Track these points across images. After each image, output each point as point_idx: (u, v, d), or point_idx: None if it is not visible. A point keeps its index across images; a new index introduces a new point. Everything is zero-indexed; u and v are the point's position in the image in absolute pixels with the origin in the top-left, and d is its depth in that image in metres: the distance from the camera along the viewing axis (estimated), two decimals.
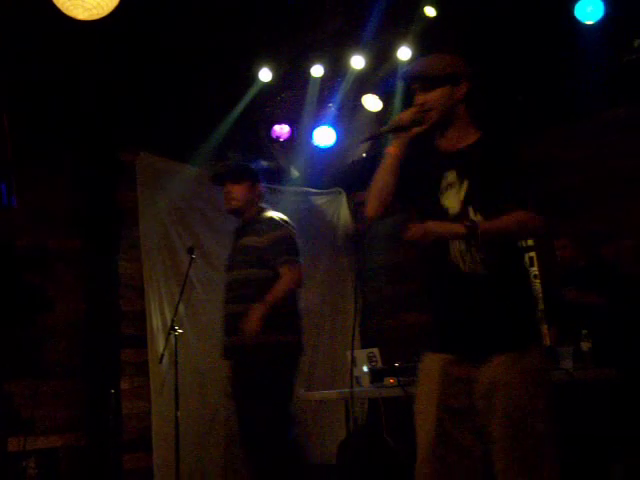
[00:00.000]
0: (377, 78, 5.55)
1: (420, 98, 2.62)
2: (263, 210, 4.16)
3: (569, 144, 5.61)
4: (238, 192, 4.08)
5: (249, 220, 4.10)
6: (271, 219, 4.05)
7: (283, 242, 3.99)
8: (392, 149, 2.66)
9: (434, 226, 2.45)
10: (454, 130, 2.63)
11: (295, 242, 4.06)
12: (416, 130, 2.62)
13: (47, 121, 4.91)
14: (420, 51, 5.09)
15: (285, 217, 4.17)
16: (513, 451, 2.36)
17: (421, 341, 2.63)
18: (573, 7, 4.57)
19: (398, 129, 2.64)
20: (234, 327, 3.88)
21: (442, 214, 2.54)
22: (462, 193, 2.53)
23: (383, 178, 2.65)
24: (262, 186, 4.30)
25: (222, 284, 4.19)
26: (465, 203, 2.51)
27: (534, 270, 5.23)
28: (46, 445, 4.84)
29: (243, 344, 3.87)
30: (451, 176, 2.57)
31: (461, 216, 2.50)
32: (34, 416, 4.77)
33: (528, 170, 2.58)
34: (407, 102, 5.40)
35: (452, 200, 2.54)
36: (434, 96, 2.59)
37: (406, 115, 2.63)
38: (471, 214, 2.49)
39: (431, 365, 2.58)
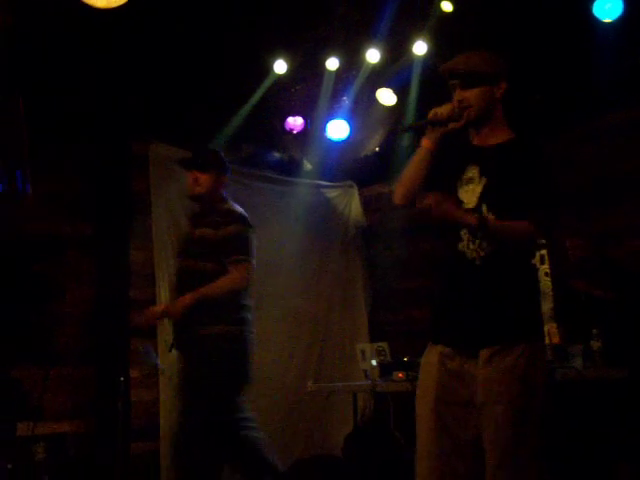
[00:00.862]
0: (392, 72, 5.54)
1: (459, 94, 2.63)
2: (224, 201, 4.18)
3: (585, 143, 5.58)
4: (204, 180, 4.11)
5: (208, 209, 4.12)
6: (229, 212, 4.07)
7: (236, 239, 3.99)
8: (426, 142, 2.69)
9: (449, 205, 2.48)
10: (488, 128, 2.66)
11: (248, 240, 4.08)
12: (452, 126, 2.64)
13: (62, 108, 4.91)
14: (436, 46, 5.08)
15: (243, 212, 4.16)
16: (495, 454, 2.39)
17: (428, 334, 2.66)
18: (591, 5, 4.54)
19: (435, 123, 2.65)
20: (182, 317, 3.93)
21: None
22: (479, 189, 2.54)
23: (415, 169, 2.69)
24: (227, 177, 4.32)
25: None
26: (480, 200, 2.52)
27: (545, 268, 5.21)
28: (54, 431, 4.87)
29: (189, 336, 3.95)
30: (472, 171, 2.59)
31: (475, 211, 2.52)
32: (43, 402, 4.79)
33: (552, 180, 2.60)
34: (422, 97, 5.42)
35: (469, 194, 2.57)
36: (474, 94, 2.61)
37: (444, 110, 2.65)
38: (484, 211, 2.51)
39: (430, 357, 2.61)
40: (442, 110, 2.66)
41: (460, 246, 2.55)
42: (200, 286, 3.88)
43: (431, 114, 2.68)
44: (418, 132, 2.79)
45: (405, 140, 5.52)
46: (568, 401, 3.79)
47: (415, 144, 2.78)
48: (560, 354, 4.06)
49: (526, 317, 2.53)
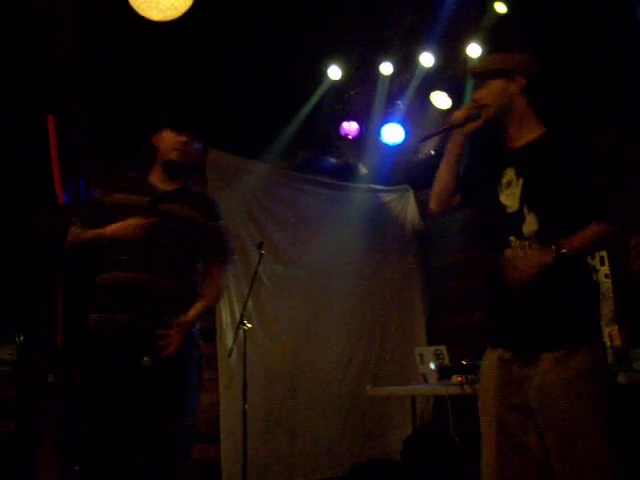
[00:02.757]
0: (446, 75, 5.53)
1: (475, 93, 2.66)
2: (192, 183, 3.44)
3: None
4: (195, 148, 3.29)
5: (184, 187, 3.26)
6: (214, 202, 3.35)
7: (230, 237, 3.40)
8: (450, 146, 2.71)
9: (522, 268, 2.41)
10: (516, 125, 2.64)
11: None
12: (471, 126, 2.65)
13: (123, 116, 5.02)
14: (489, 48, 5.06)
15: None
16: (565, 462, 2.34)
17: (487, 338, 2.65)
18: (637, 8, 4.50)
19: (454, 126, 2.67)
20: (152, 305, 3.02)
21: (501, 211, 2.57)
22: (518, 191, 2.53)
23: (443, 175, 2.71)
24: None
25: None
26: (522, 201, 2.52)
27: (605, 269, 5.15)
28: None
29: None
30: (510, 173, 2.58)
31: (519, 214, 2.50)
32: None
33: (600, 170, 2.55)
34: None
35: (511, 198, 2.56)
36: (487, 91, 2.62)
37: (461, 112, 2.68)
38: (525, 213, 2.49)
39: (490, 361, 2.59)
40: (459, 113, 2.67)
41: (509, 252, 2.53)
42: (179, 275, 3.08)
43: (451, 118, 2.70)
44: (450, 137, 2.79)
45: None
46: (631, 405, 3.73)
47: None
48: (622, 357, 4.00)
49: (587, 319, 2.49)
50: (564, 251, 2.38)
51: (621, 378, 3.62)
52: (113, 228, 3.00)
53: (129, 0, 3.61)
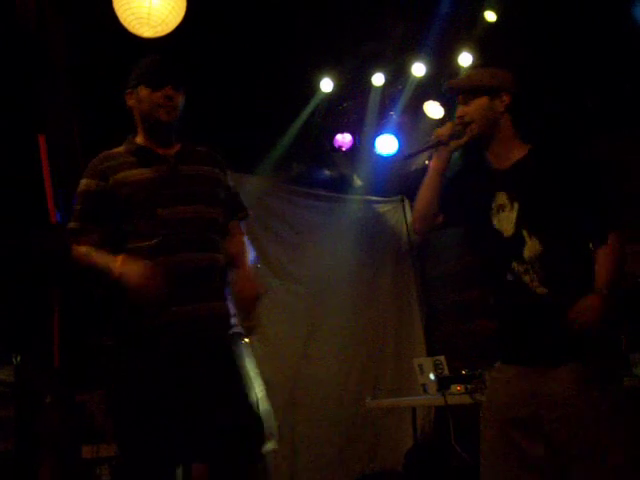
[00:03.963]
0: (438, 85, 5.54)
1: (460, 110, 2.62)
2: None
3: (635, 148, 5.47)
4: (179, 102, 2.76)
5: (187, 146, 2.84)
6: (218, 153, 2.98)
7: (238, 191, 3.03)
8: (434, 163, 2.67)
9: (588, 317, 2.36)
10: (500, 144, 2.61)
11: None
12: (455, 144, 2.62)
13: (117, 134, 5.02)
14: (481, 56, 5.07)
15: None
16: (583, 470, 2.31)
17: (491, 349, 2.62)
18: (634, 8, 4.50)
19: (437, 144, 2.64)
20: (212, 286, 2.63)
21: (496, 236, 2.54)
22: (514, 216, 2.51)
23: (425, 193, 2.68)
24: None
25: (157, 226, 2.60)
26: (518, 226, 2.49)
27: None
28: (117, 453, 4.94)
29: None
30: (501, 197, 2.55)
31: (516, 238, 2.48)
32: (106, 425, 4.87)
33: (596, 178, 2.54)
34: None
35: (505, 222, 2.52)
36: (472, 108, 2.59)
37: (444, 129, 2.64)
38: (526, 237, 2.47)
39: (498, 375, 2.57)
40: (443, 130, 2.64)
41: (512, 278, 2.49)
42: (218, 241, 2.70)
43: (433, 136, 2.66)
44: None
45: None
46: (632, 410, 3.71)
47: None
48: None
49: (604, 332, 2.46)
50: (607, 293, 2.36)
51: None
52: (120, 268, 2.48)
53: (120, 18, 3.62)
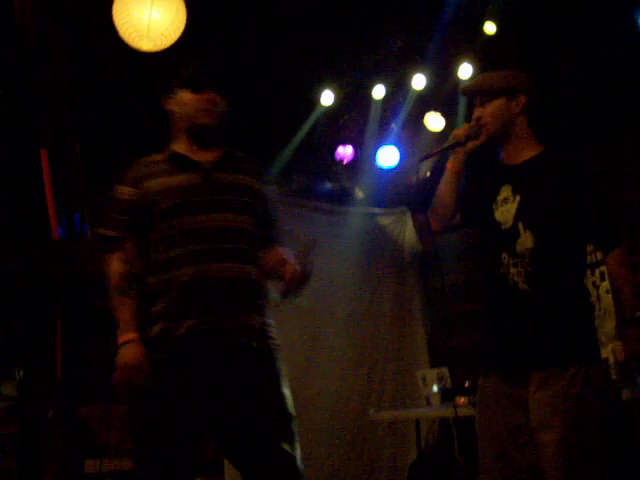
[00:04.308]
0: (439, 96, 5.55)
1: (477, 112, 2.65)
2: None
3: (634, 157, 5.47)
4: (222, 105, 2.75)
5: (228, 153, 2.78)
6: (253, 159, 2.90)
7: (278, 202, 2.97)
8: (450, 164, 2.71)
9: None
10: (514, 144, 2.64)
11: None
12: (472, 145, 2.65)
13: (118, 149, 5.03)
14: (481, 67, 5.08)
15: None
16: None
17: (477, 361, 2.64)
18: (636, 14, 4.50)
19: (454, 145, 2.67)
20: (239, 298, 2.61)
21: (496, 228, 2.57)
22: (514, 207, 2.53)
23: (442, 193, 2.71)
24: None
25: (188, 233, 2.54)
26: (516, 218, 2.51)
27: (605, 285, 5.12)
28: (121, 468, 4.92)
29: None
30: (506, 191, 2.58)
31: (513, 231, 2.50)
32: (108, 439, 4.86)
33: (599, 187, 2.56)
34: (470, 119, 5.42)
35: (505, 215, 2.56)
36: (489, 109, 2.62)
37: (461, 130, 2.68)
38: (520, 230, 2.49)
39: (485, 384, 2.59)
40: (459, 131, 2.68)
41: (501, 270, 2.52)
42: (252, 252, 2.66)
43: (451, 137, 2.70)
44: (445, 157, 2.79)
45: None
46: (635, 421, 3.70)
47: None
48: (626, 373, 3.97)
49: (578, 337, 2.47)
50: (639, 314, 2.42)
51: (624, 394, 3.61)
52: (122, 342, 2.44)
53: (119, 32, 3.63)
